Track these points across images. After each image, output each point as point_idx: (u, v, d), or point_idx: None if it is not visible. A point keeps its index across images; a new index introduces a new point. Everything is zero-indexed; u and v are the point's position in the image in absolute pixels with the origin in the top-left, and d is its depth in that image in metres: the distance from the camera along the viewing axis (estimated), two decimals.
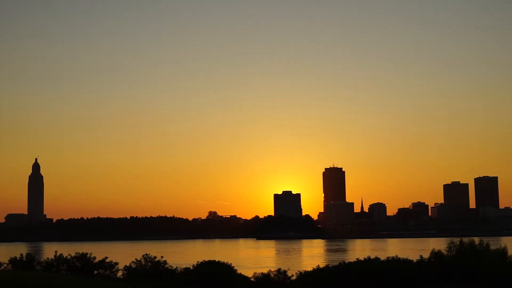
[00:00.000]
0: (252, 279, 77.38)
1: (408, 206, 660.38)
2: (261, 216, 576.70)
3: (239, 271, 79.57)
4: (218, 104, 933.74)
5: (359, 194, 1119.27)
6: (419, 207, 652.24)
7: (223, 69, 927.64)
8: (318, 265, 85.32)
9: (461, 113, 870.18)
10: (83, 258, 76.01)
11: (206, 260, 79.68)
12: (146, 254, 77.18)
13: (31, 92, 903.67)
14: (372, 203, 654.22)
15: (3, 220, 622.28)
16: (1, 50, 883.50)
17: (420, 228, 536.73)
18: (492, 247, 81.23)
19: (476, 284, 72.73)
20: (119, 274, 76.49)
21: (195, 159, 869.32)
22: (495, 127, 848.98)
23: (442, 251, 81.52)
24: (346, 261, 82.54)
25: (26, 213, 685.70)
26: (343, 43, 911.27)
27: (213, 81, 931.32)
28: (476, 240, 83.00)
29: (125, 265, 77.42)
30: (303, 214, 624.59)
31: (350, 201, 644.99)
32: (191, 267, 76.96)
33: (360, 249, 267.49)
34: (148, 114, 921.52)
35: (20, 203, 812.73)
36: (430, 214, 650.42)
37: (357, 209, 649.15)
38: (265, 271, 78.34)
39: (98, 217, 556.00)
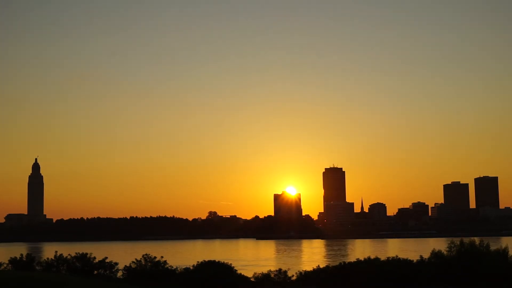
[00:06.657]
0: (252, 279, 77.41)
1: (408, 206, 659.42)
2: (261, 216, 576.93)
3: (239, 271, 79.59)
4: (218, 104, 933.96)
5: (359, 194, 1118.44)
6: (419, 207, 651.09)
7: (224, 70, 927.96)
8: (318, 265, 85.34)
9: (461, 113, 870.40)
10: (83, 258, 76.01)
11: (206, 260, 79.71)
12: (146, 254, 77.19)
13: (31, 92, 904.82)
14: (372, 203, 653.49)
15: (3, 220, 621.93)
16: (1, 49, 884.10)
17: (420, 228, 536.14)
18: (492, 247, 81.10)
19: (476, 284, 72.56)
20: (119, 274, 76.46)
21: (195, 159, 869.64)
22: (495, 127, 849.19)
23: (442, 251, 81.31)
24: (346, 261, 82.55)
25: (26, 213, 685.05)
26: (342, 43, 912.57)
27: (214, 81, 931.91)
28: (476, 240, 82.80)
29: (125, 265, 77.41)
30: (303, 214, 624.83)
31: (350, 201, 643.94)
32: (191, 267, 76.95)
33: (360, 249, 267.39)
34: (148, 115, 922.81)
35: (20, 203, 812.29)
36: (430, 214, 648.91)
37: (357, 209, 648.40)
38: (265, 271, 78.35)
39: (98, 217, 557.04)
